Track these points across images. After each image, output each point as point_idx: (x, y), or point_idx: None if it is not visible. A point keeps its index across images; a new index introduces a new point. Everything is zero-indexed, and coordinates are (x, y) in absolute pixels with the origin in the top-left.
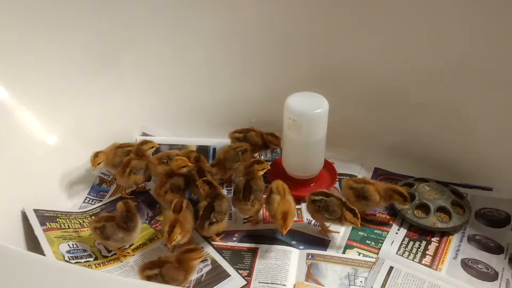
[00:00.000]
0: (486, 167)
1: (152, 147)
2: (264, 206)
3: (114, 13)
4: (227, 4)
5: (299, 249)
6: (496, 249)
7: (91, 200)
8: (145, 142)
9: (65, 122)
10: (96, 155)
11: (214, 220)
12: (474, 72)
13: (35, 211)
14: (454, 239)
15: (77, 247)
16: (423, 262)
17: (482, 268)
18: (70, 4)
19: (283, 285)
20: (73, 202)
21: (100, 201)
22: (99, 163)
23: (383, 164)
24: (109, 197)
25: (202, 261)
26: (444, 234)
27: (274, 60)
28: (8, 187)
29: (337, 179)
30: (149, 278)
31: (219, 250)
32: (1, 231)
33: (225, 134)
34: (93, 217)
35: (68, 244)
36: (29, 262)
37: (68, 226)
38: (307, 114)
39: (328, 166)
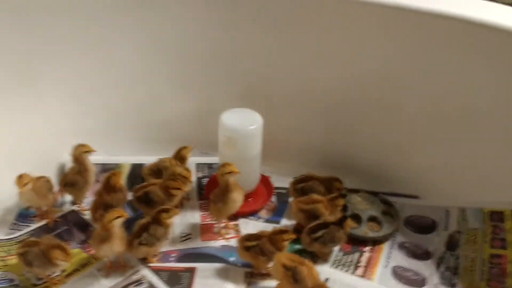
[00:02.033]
0: (412, 176)
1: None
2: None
3: (31, 28)
4: (153, 20)
5: (238, 266)
6: (423, 255)
7: (18, 226)
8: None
9: None
10: (21, 176)
11: (145, 242)
12: (398, 80)
13: None
14: (385, 248)
15: (4, 277)
16: (356, 273)
17: (411, 275)
18: None
19: None
20: None
21: (28, 226)
22: (26, 183)
23: None
24: (38, 222)
25: (138, 284)
26: (375, 243)
27: (207, 77)
28: None
29: (273, 193)
30: (248, 248)
31: (156, 272)
32: None
33: (161, 151)
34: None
35: None
36: None
37: None
38: (241, 130)
39: (264, 180)
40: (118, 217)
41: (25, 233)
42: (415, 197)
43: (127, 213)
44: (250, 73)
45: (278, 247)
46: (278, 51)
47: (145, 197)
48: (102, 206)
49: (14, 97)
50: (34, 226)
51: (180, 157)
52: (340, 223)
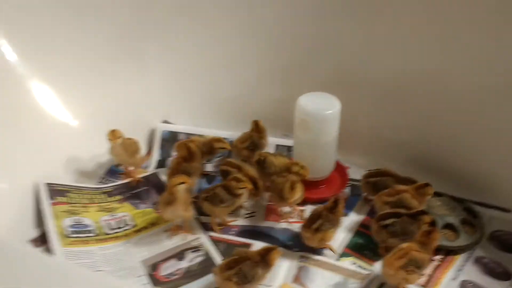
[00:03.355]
0: (507, 187)
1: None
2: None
3: (142, 5)
4: (246, 4)
5: (293, 250)
6: (502, 274)
7: (106, 180)
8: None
9: (87, 106)
10: (113, 130)
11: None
12: (494, 81)
13: (47, 184)
14: (459, 260)
15: (81, 222)
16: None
17: None
18: None
19: (268, 286)
20: (88, 180)
21: (114, 181)
22: (118, 137)
23: None
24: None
25: (195, 250)
26: (448, 252)
27: (292, 60)
28: (24, 161)
29: (348, 184)
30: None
31: (214, 241)
32: (13, 204)
33: (241, 127)
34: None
35: (72, 219)
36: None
37: (77, 201)
38: (317, 114)
39: (340, 169)
40: (182, 182)
41: (110, 186)
42: (507, 210)
43: (191, 180)
44: (337, 60)
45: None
46: (367, 39)
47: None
48: (179, 172)
49: (122, 66)
50: (119, 182)
51: (258, 129)
52: (415, 215)
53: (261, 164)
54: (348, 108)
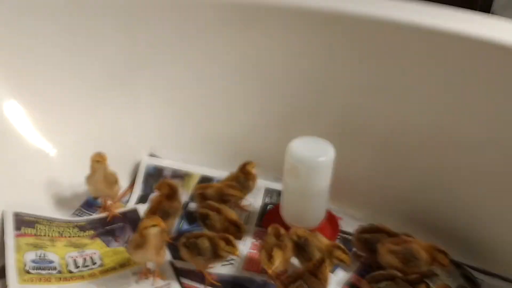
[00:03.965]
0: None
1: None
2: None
3: (138, 31)
4: (245, 40)
5: None
6: None
7: (81, 212)
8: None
9: (71, 134)
10: (99, 153)
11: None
12: (500, 136)
13: (16, 214)
14: None
15: (45, 257)
16: None
17: None
18: (95, 17)
19: None
20: (61, 211)
21: (90, 215)
22: (102, 161)
23: None
24: (99, 214)
25: None
26: None
27: (289, 102)
28: None
29: (338, 236)
30: None
31: None
32: None
33: (231, 167)
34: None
35: (36, 253)
36: None
37: (45, 233)
38: (308, 160)
39: (331, 219)
40: (154, 225)
41: (83, 220)
42: (510, 280)
43: (170, 221)
44: (336, 104)
45: None
46: (369, 86)
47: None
48: (158, 212)
49: (111, 95)
50: (94, 216)
51: (245, 171)
52: (413, 282)
53: (301, 246)
54: (344, 155)
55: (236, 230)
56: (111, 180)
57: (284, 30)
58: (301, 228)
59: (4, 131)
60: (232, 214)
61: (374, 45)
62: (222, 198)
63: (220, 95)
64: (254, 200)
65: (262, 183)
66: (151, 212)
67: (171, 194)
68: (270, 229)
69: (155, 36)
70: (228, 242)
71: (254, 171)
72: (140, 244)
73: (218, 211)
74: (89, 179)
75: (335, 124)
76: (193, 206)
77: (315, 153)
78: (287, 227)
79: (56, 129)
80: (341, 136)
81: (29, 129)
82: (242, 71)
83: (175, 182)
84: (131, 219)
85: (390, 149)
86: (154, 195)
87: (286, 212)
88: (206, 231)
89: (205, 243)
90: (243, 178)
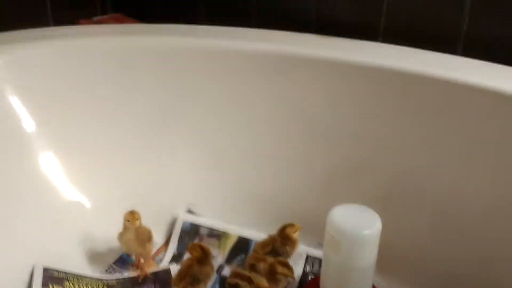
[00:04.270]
0: None
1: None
2: None
3: (176, 81)
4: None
5: None
6: None
7: (113, 269)
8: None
9: (106, 187)
10: (133, 211)
11: None
12: None
13: (45, 269)
14: None
15: None
16: None
17: None
18: (133, 65)
19: None
20: (94, 267)
21: (121, 273)
22: (138, 219)
23: None
24: (131, 272)
25: None
26: None
27: (336, 163)
28: (27, 239)
29: None
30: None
31: None
32: (9, 286)
33: (269, 230)
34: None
35: None
36: None
37: None
38: (350, 232)
39: None
40: None
41: (114, 280)
42: None
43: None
44: (388, 166)
45: None
46: (428, 150)
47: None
48: (187, 276)
49: (149, 148)
50: (125, 275)
51: (284, 235)
52: None
53: None
54: (394, 224)
55: None
56: (144, 239)
57: (333, 84)
58: None
59: (38, 183)
60: (263, 282)
61: (430, 103)
62: (273, 276)
63: (262, 151)
64: (294, 268)
65: (303, 249)
66: (180, 277)
67: (203, 257)
68: None
69: (194, 86)
70: None
71: (295, 235)
72: None
73: (249, 280)
74: (121, 236)
75: (385, 189)
76: (227, 270)
77: (359, 225)
78: None
79: (92, 181)
80: (391, 202)
81: (64, 181)
82: (286, 126)
83: (209, 243)
84: (162, 280)
85: (446, 218)
86: (186, 256)
87: (326, 287)
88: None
89: None
90: (280, 243)
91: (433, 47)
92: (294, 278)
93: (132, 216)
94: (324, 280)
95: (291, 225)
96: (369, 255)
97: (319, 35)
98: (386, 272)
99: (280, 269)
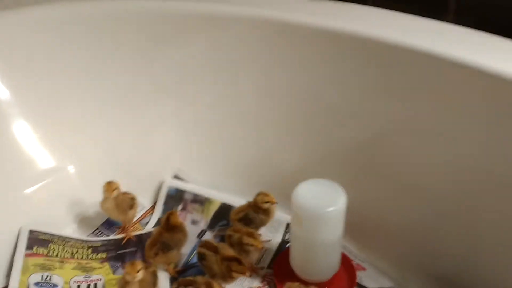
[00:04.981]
0: None
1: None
2: None
3: (165, 50)
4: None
5: None
6: None
7: (100, 232)
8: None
9: (95, 153)
10: (110, 182)
11: None
12: None
13: (31, 232)
14: None
15: (49, 280)
16: None
17: None
18: (117, 35)
19: None
20: (81, 230)
21: (107, 236)
22: (115, 189)
23: None
24: (116, 235)
25: None
26: None
27: (313, 132)
28: (18, 203)
29: None
30: None
31: None
32: None
33: (252, 196)
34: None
35: (42, 275)
36: None
37: (56, 254)
38: (312, 210)
39: (349, 270)
40: (137, 271)
41: (99, 241)
42: None
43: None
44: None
45: None
46: (405, 120)
47: None
48: (158, 243)
49: (137, 115)
50: (110, 237)
51: (255, 203)
52: None
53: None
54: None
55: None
56: (124, 207)
57: (309, 53)
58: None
59: (26, 149)
60: (229, 252)
61: (411, 78)
62: (242, 247)
63: (249, 120)
64: (274, 236)
65: (285, 218)
66: (152, 243)
67: (171, 226)
68: None
69: (182, 55)
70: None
71: (266, 205)
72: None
73: (216, 250)
74: (102, 205)
75: (359, 160)
76: (209, 235)
77: (321, 202)
78: (297, 279)
79: (81, 147)
80: (363, 173)
81: (52, 147)
82: (270, 95)
83: (193, 208)
84: (145, 244)
85: (415, 198)
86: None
87: (294, 262)
88: (198, 278)
89: None
90: (252, 210)
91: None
92: (260, 249)
93: (109, 187)
94: (291, 256)
95: (264, 194)
96: (333, 230)
97: None
98: (364, 244)
99: (246, 239)
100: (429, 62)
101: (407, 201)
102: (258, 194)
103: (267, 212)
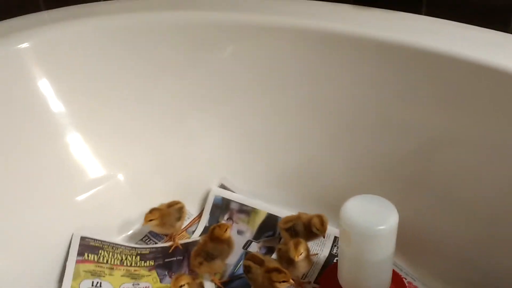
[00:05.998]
0: None
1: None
2: None
3: (211, 62)
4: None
5: None
6: None
7: (148, 239)
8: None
9: (144, 161)
10: (151, 211)
11: None
12: None
13: (82, 238)
14: None
15: (99, 286)
16: None
17: None
18: (165, 45)
19: None
20: (130, 237)
21: (155, 243)
22: (151, 220)
23: None
24: (164, 243)
25: None
26: None
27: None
28: (70, 211)
29: None
30: None
31: None
32: (50, 254)
33: (302, 209)
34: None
35: (92, 282)
36: None
37: (106, 260)
38: (361, 227)
39: (398, 283)
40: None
41: (147, 248)
42: None
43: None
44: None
45: None
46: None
47: None
48: (202, 252)
49: (185, 124)
50: (158, 245)
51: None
52: None
53: None
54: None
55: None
56: (171, 223)
57: (358, 65)
58: None
59: (77, 158)
60: (273, 263)
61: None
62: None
63: (293, 131)
64: (321, 250)
65: (332, 231)
66: (196, 253)
67: (217, 237)
68: None
69: (229, 66)
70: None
71: (314, 230)
72: None
73: (262, 264)
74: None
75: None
76: (255, 246)
77: (371, 219)
78: None
79: (130, 156)
80: (412, 187)
81: (102, 156)
82: (318, 106)
83: (239, 218)
84: (191, 252)
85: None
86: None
87: (342, 278)
88: None
89: None
90: (301, 224)
91: None
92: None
93: (151, 215)
94: (340, 268)
95: (320, 225)
96: (383, 249)
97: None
98: (416, 263)
99: (275, 277)
100: (488, 74)
101: (458, 216)
102: (316, 217)
103: (312, 235)
